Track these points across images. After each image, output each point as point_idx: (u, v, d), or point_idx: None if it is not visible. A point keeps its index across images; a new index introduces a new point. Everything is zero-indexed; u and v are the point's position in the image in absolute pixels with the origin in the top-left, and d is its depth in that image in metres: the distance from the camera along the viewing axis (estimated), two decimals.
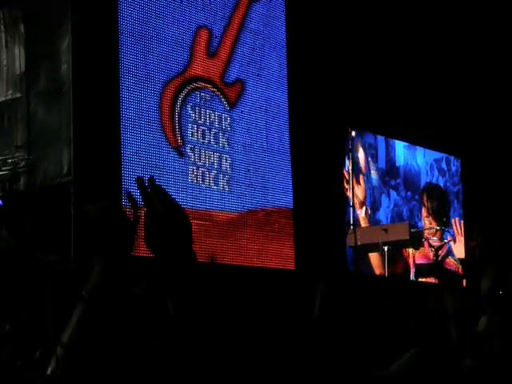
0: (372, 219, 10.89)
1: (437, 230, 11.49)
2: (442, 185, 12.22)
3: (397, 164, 11.48)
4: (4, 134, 8.25)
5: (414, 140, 11.86)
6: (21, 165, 8.03)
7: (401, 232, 9.98)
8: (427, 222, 11.61)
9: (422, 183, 11.85)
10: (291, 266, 9.44)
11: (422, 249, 11.09)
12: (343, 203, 10.43)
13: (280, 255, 9.34)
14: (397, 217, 11.24)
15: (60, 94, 7.91)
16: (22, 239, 7.38)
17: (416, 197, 11.71)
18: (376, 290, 8.51)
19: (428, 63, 11.68)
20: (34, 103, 8.09)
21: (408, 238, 9.89)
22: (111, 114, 7.96)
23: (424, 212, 11.67)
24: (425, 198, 11.67)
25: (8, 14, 8.38)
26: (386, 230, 9.91)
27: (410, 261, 11.13)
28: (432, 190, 11.83)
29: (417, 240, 10.31)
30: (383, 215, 11.07)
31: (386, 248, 9.87)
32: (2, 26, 8.38)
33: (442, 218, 11.72)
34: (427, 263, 11.18)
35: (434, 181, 12.06)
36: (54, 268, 6.65)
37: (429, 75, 11.73)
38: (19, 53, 8.22)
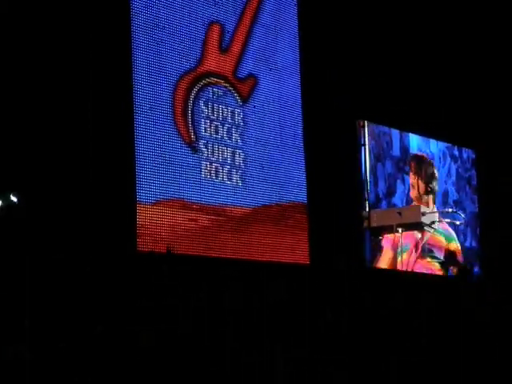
0: (389, 204, 11.25)
1: (445, 213, 11.74)
2: (454, 171, 12.51)
3: (410, 151, 11.72)
4: None
5: (427, 132, 11.83)
6: None
7: (414, 215, 10.43)
8: (413, 188, 11.76)
9: (436, 169, 12.16)
10: (306, 260, 9.44)
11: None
12: (356, 196, 10.55)
13: (295, 250, 9.34)
14: (411, 199, 11.70)
15: None
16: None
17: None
18: (395, 286, 8.50)
19: (441, 54, 11.64)
20: None
21: (420, 220, 10.33)
22: (124, 111, 7.97)
23: (411, 179, 11.80)
24: (413, 166, 11.80)
25: None
26: (400, 213, 10.34)
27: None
28: (420, 158, 12.04)
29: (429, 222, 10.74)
30: (398, 200, 11.40)
31: (400, 230, 10.27)
32: None
33: (428, 185, 12.00)
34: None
35: (446, 167, 12.38)
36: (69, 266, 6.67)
37: (441, 66, 11.69)
38: None
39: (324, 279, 8.54)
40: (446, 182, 12.32)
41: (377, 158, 11.12)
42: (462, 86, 11.97)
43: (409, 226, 10.45)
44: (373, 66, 10.63)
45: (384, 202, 11.13)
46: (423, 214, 10.63)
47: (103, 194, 7.67)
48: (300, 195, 9.59)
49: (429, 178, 11.89)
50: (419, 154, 11.87)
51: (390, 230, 10.39)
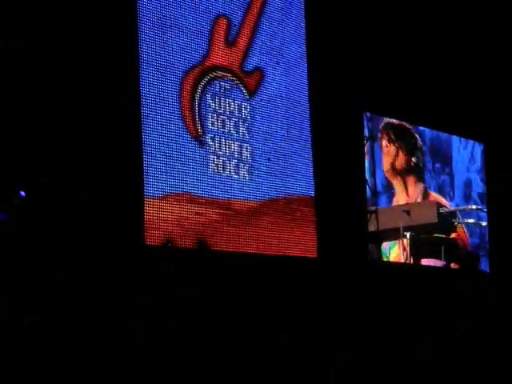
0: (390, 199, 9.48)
1: (468, 210, 9.53)
2: (478, 155, 9.98)
3: (420, 128, 9.64)
4: None
5: (436, 125, 11.74)
6: None
7: (427, 214, 8.10)
8: (386, 156, 9.39)
9: (454, 153, 9.63)
10: (313, 254, 9.42)
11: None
12: (363, 189, 10.19)
13: (302, 243, 9.32)
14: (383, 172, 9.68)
15: None
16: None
17: (447, 170, 9.61)
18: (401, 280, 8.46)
19: (451, 48, 11.59)
20: None
21: (436, 221, 8.06)
22: (131, 105, 7.98)
23: (385, 147, 9.43)
24: (390, 134, 9.25)
25: None
26: (408, 212, 8.17)
27: None
28: (400, 127, 9.55)
29: (447, 224, 8.35)
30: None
31: (408, 234, 8.20)
32: None
33: (411, 159, 9.54)
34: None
35: (468, 150, 9.82)
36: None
37: (451, 59, 11.64)
38: None
39: (332, 273, 8.52)
40: (468, 169, 9.97)
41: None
42: (467, 81, 11.90)
43: (420, 230, 8.19)
44: (380, 59, 10.58)
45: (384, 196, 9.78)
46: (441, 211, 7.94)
47: (111, 188, 7.68)
48: (308, 189, 9.57)
49: (411, 150, 9.41)
50: (397, 122, 9.61)
51: (395, 235, 8.27)
